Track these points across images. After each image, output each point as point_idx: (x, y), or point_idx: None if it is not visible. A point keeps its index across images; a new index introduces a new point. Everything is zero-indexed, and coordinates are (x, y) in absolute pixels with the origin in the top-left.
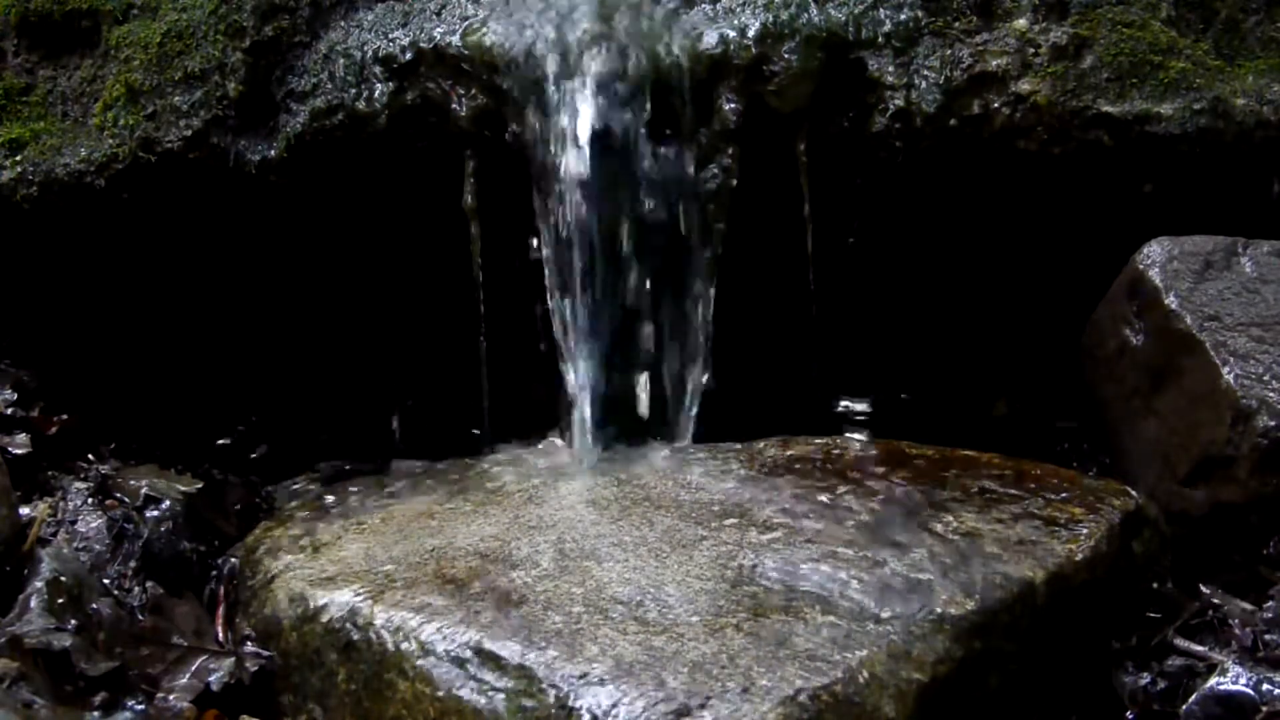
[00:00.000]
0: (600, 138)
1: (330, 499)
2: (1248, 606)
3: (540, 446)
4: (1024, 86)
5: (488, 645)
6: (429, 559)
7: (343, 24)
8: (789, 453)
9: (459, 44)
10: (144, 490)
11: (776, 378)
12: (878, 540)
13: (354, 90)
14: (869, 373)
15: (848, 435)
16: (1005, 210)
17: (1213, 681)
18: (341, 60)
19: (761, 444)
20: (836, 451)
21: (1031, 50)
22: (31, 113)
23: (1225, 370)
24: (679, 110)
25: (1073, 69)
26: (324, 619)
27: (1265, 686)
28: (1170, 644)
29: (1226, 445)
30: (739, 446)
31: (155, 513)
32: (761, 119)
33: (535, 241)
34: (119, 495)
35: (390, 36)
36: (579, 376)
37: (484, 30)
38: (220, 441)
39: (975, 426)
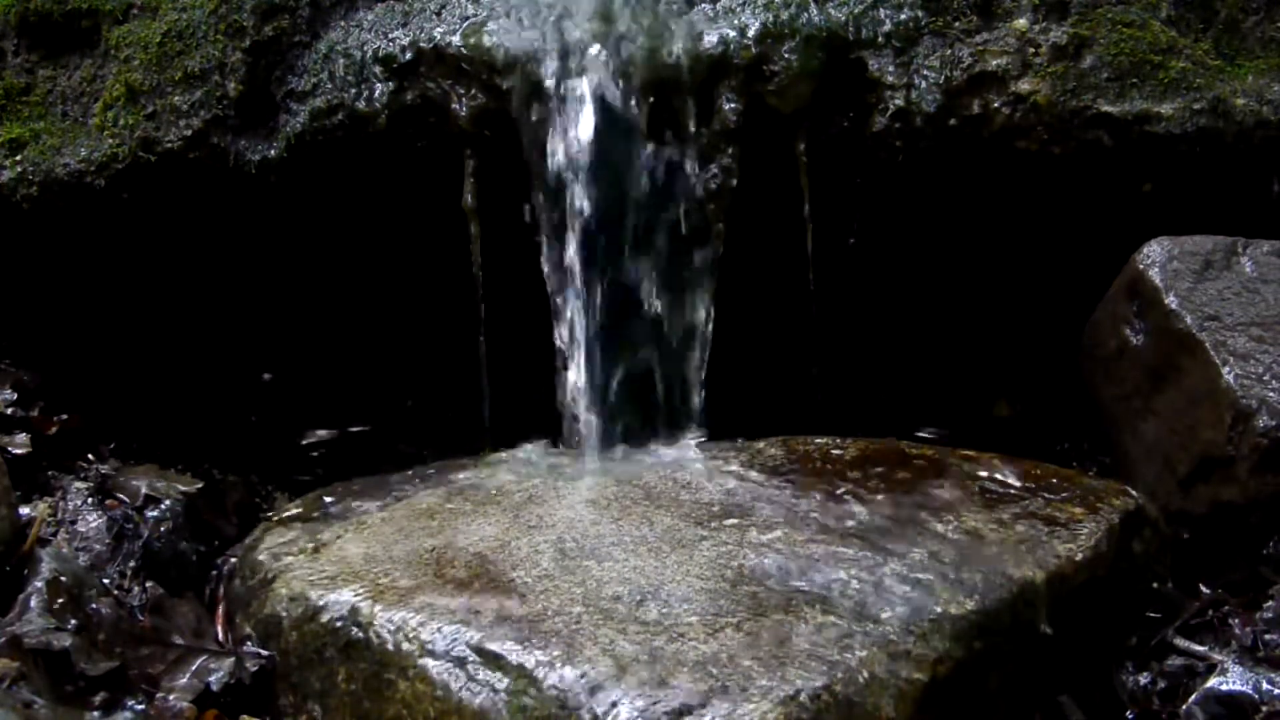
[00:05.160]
0: (600, 138)
1: (330, 499)
2: (1248, 607)
3: (540, 446)
4: (1024, 86)
5: (488, 645)
6: (429, 559)
7: (343, 24)
8: (789, 453)
9: (459, 44)
10: (144, 490)
11: (777, 378)
12: (878, 540)
13: (354, 90)
14: (868, 372)
15: (847, 436)
16: (1005, 210)
17: (1213, 681)
18: (341, 60)
19: (761, 444)
20: (836, 451)
21: (1031, 50)
22: (31, 113)
23: (1225, 370)
24: (679, 110)
25: (1073, 69)
26: (324, 619)
27: (1265, 686)
28: (1170, 644)
29: (1226, 445)
30: (739, 446)
31: (155, 513)
32: (761, 119)
33: (535, 241)
34: (119, 495)
35: (390, 36)
36: (579, 376)
37: (484, 30)
38: (220, 440)
39: (975, 426)
